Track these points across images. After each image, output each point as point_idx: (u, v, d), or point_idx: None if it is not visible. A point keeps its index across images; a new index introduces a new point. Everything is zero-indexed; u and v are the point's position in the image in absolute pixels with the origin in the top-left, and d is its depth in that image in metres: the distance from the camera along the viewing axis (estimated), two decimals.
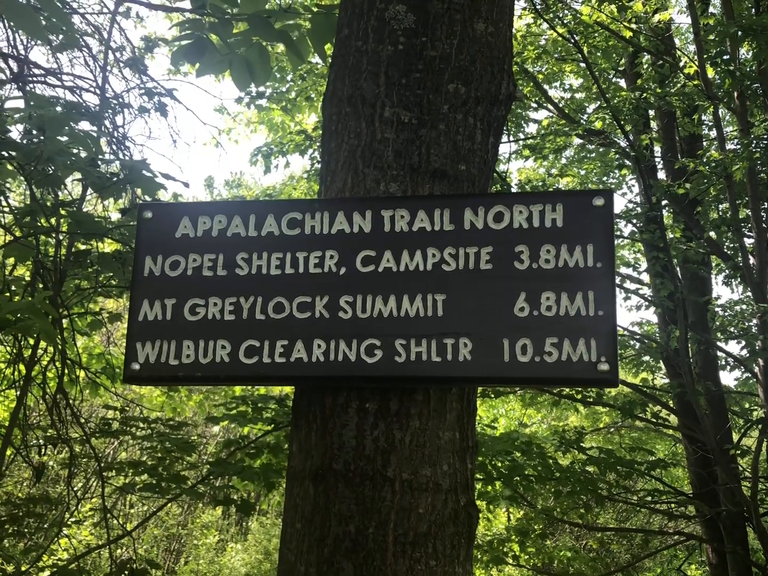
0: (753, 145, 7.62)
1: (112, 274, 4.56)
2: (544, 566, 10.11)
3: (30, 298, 3.71)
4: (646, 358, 10.37)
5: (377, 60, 2.13)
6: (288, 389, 8.61)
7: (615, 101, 8.92)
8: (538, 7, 8.90)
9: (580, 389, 8.84)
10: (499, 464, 7.24)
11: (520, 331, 1.83)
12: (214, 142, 10.46)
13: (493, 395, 8.87)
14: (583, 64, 10.30)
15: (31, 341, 4.82)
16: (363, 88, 2.13)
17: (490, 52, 2.17)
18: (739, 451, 8.32)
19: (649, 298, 10.08)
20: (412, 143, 2.06)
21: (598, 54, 10.17)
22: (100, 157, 3.93)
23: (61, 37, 5.06)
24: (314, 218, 1.96)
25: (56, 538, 5.85)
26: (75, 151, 3.75)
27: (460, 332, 1.84)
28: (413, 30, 2.14)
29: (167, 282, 1.98)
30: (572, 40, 8.93)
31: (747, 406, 10.04)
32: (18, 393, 4.83)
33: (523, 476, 6.98)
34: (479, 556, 9.38)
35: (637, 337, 10.44)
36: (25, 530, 5.81)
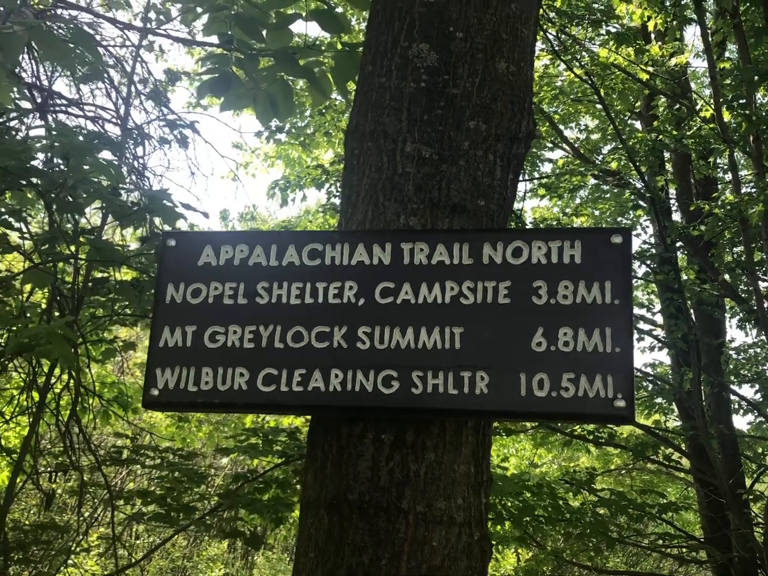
0: None
1: (127, 302, 4.60)
2: None
3: (47, 325, 3.74)
4: (659, 399, 10.32)
5: (400, 96, 2.17)
6: (298, 422, 8.59)
7: (631, 142, 8.98)
8: (556, 48, 8.99)
9: (591, 429, 8.79)
10: (509, 504, 7.19)
11: (537, 365, 1.84)
12: (232, 176, 10.55)
13: (504, 434, 8.82)
14: (599, 105, 10.38)
15: (46, 368, 4.85)
16: (385, 123, 2.17)
17: (511, 90, 2.21)
18: (752, 497, 8.23)
19: (663, 340, 10.05)
20: (433, 178, 2.09)
21: (614, 96, 10.25)
22: (120, 186, 3.99)
23: (85, 68, 5.15)
24: (334, 249, 1.99)
25: (62, 566, 5.83)
26: (96, 179, 3.80)
27: (477, 365, 1.86)
28: (436, 68, 2.18)
29: (188, 309, 2.01)
30: (589, 81, 9.02)
31: (760, 450, 9.95)
32: (30, 419, 4.85)
33: (533, 517, 6.92)
34: None
35: (650, 378, 10.40)
36: (32, 558, 5.80)
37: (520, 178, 10.40)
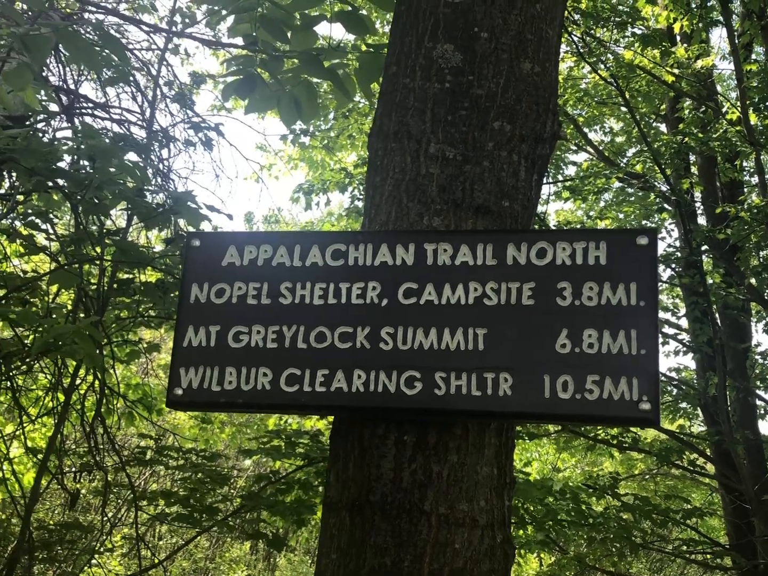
0: None
1: (152, 303, 4.62)
2: None
3: (72, 324, 3.77)
4: (684, 404, 10.23)
5: (424, 97, 2.17)
6: (321, 424, 8.60)
7: (656, 145, 8.91)
8: (581, 50, 8.95)
9: (615, 434, 8.73)
10: (532, 508, 7.16)
11: (561, 367, 1.82)
12: (255, 177, 10.59)
13: (527, 438, 8.78)
14: (623, 108, 10.32)
15: (71, 368, 4.89)
16: (409, 124, 2.16)
17: (535, 91, 2.20)
18: None
19: (688, 344, 9.97)
20: (457, 179, 2.08)
21: (639, 98, 10.18)
22: (146, 188, 4.01)
23: (111, 71, 5.20)
24: (358, 250, 1.99)
25: (86, 566, 5.87)
26: (121, 181, 3.83)
27: (501, 367, 1.85)
28: (460, 69, 2.18)
29: (212, 309, 2.01)
30: (614, 84, 8.97)
31: None
32: (56, 420, 4.89)
33: (556, 521, 6.89)
34: None
35: (675, 382, 10.31)
36: (56, 557, 5.85)
37: (544, 180, 10.40)
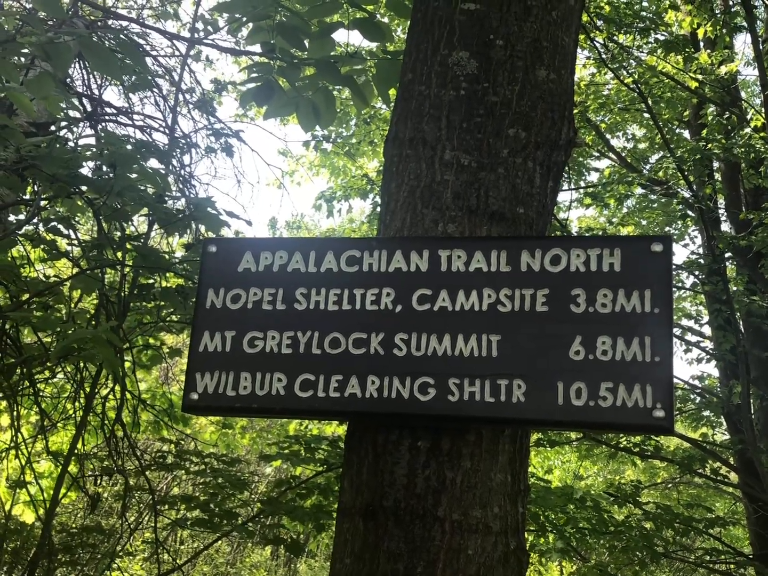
0: None
1: (173, 309, 4.66)
2: None
3: (91, 329, 3.81)
4: (707, 412, 10.14)
5: (439, 104, 2.18)
6: (341, 430, 8.61)
7: (679, 152, 8.86)
8: (603, 56, 8.93)
9: (637, 442, 8.67)
10: (553, 516, 7.12)
11: (574, 374, 1.82)
12: (278, 184, 10.63)
13: (548, 445, 8.74)
14: (646, 114, 10.27)
15: (93, 371, 4.93)
16: (424, 130, 2.17)
17: (551, 98, 2.20)
18: None
19: (711, 352, 9.89)
20: (471, 185, 2.09)
21: (662, 104, 10.13)
22: (167, 194, 4.05)
23: (133, 78, 5.25)
24: (372, 256, 1.99)
25: (107, 569, 5.91)
26: (142, 187, 3.86)
27: (514, 373, 1.85)
28: (475, 76, 2.18)
29: (228, 314, 2.03)
30: (637, 90, 8.93)
31: None
32: (77, 423, 4.93)
33: (577, 529, 6.85)
34: None
35: (698, 390, 10.23)
36: (78, 561, 5.88)
37: (566, 186, 10.35)
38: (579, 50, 10.26)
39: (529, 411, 1.83)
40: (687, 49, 9.51)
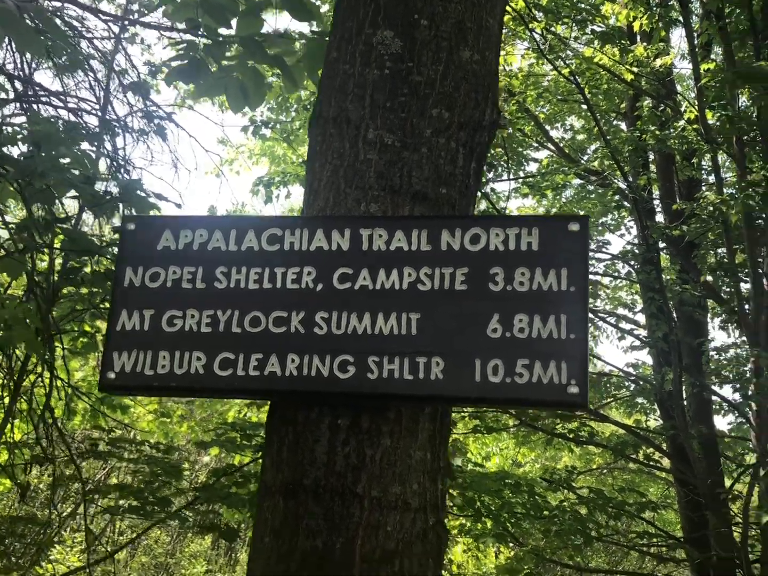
0: (750, 191, 7.66)
1: (106, 294, 4.57)
2: None
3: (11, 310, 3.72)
4: (640, 399, 10.34)
5: (363, 83, 2.17)
6: None
7: (615, 143, 8.99)
8: (541, 47, 9.01)
9: (573, 428, 8.80)
10: (488, 500, 7.20)
11: (492, 351, 1.84)
12: (216, 172, 10.53)
13: (485, 431, 8.82)
14: (584, 106, 10.39)
15: (20, 354, 4.82)
16: (348, 110, 2.17)
17: (475, 79, 2.21)
18: (730, 497, 8.25)
19: (644, 339, 10.08)
20: (394, 165, 2.09)
21: (600, 96, 10.26)
22: (98, 176, 3.97)
23: (65, 59, 5.13)
24: (294, 235, 1.99)
25: (38, 559, 5.81)
26: (72, 169, 3.78)
27: (433, 351, 1.86)
28: (399, 55, 2.18)
29: (147, 293, 2.00)
30: (573, 81, 9.03)
31: (740, 451, 9.98)
32: (5, 410, 4.82)
33: (512, 513, 6.94)
34: None
35: (633, 378, 10.42)
36: (8, 551, 5.77)
37: (506, 177, 10.43)
38: (518, 41, 10.35)
39: (447, 388, 1.84)
40: (623, 41, 9.65)
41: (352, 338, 1.89)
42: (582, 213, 12.62)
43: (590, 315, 10.82)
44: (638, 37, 10.46)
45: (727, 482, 9.14)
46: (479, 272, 1.90)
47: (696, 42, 8.79)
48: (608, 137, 9.49)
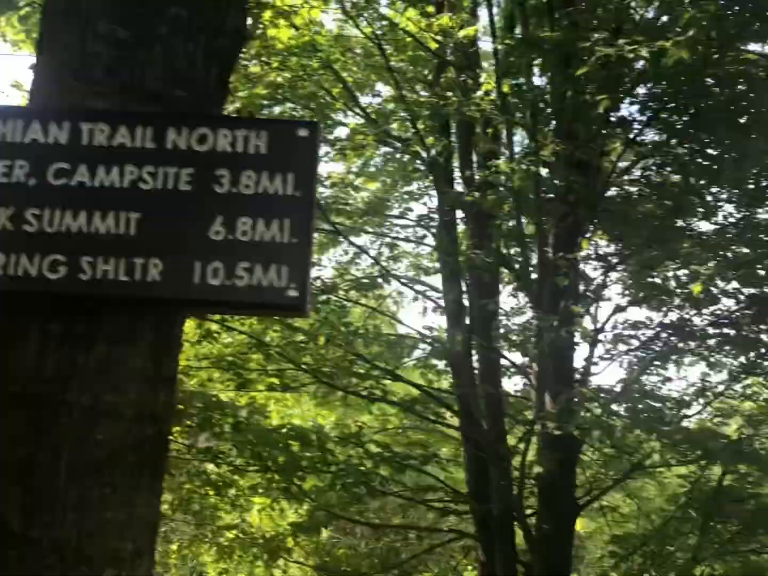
0: (535, 158, 8.02)
1: None
2: (322, 563, 10.11)
3: None
4: (434, 360, 10.64)
5: None
6: None
7: (415, 108, 9.14)
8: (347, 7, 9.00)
9: (367, 386, 8.95)
10: (279, 457, 7.21)
11: (213, 254, 1.79)
12: None
13: (280, 388, 8.83)
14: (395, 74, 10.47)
15: None
16: (80, 2, 2.02)
17: None
18: (511, 452, 8.69)
19: (437, 302, 10.37)
20: (126, 62, 1.97)
21: (406, 63, 10.39)
22: None
23: None
24: (6, 125, 1.84)
25: None
26: None
27: (152, 253, 1.78)
28: None
29: None
30: (374, 40, 9.10)
31: (524, 412, 10.50)
32: None
33: (298, 467, 6.98)
34: (259, 553, 9.29)
35: (428, 340, 10.70)
36: None
37: (235, 87, 10.31)
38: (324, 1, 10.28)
39: (165, 290, 1.78)
40: (427, 8, 9.80)
41: (65, 237, 1.78)
42: (390, 181, 12.81)
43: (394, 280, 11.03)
44: (445, 7, 10.67)
45: (512, 441, 9.61)
46: (205, 173, 1.83)
47: (495, 12, 9.11)
48: (414, 107, 9.63)
